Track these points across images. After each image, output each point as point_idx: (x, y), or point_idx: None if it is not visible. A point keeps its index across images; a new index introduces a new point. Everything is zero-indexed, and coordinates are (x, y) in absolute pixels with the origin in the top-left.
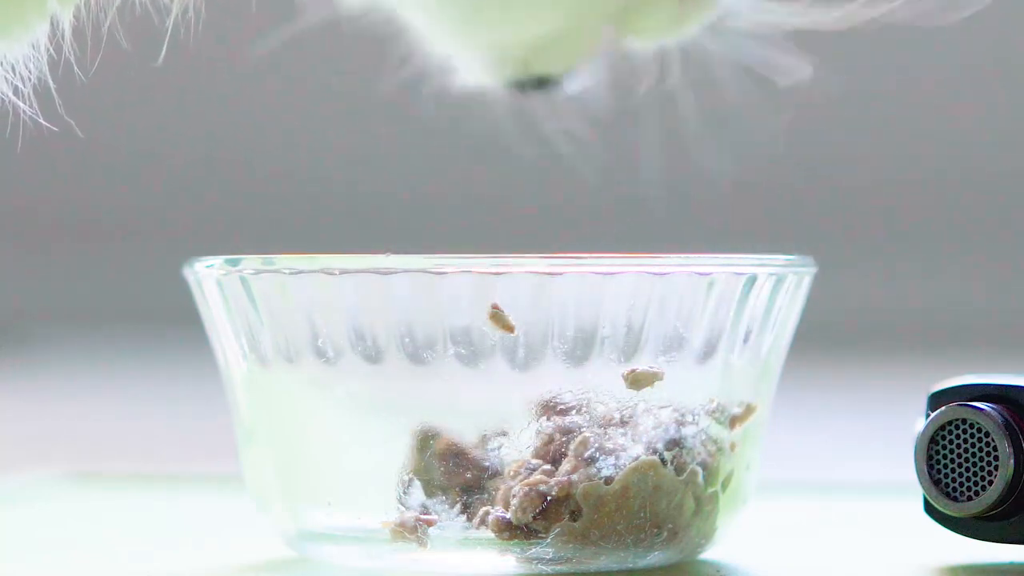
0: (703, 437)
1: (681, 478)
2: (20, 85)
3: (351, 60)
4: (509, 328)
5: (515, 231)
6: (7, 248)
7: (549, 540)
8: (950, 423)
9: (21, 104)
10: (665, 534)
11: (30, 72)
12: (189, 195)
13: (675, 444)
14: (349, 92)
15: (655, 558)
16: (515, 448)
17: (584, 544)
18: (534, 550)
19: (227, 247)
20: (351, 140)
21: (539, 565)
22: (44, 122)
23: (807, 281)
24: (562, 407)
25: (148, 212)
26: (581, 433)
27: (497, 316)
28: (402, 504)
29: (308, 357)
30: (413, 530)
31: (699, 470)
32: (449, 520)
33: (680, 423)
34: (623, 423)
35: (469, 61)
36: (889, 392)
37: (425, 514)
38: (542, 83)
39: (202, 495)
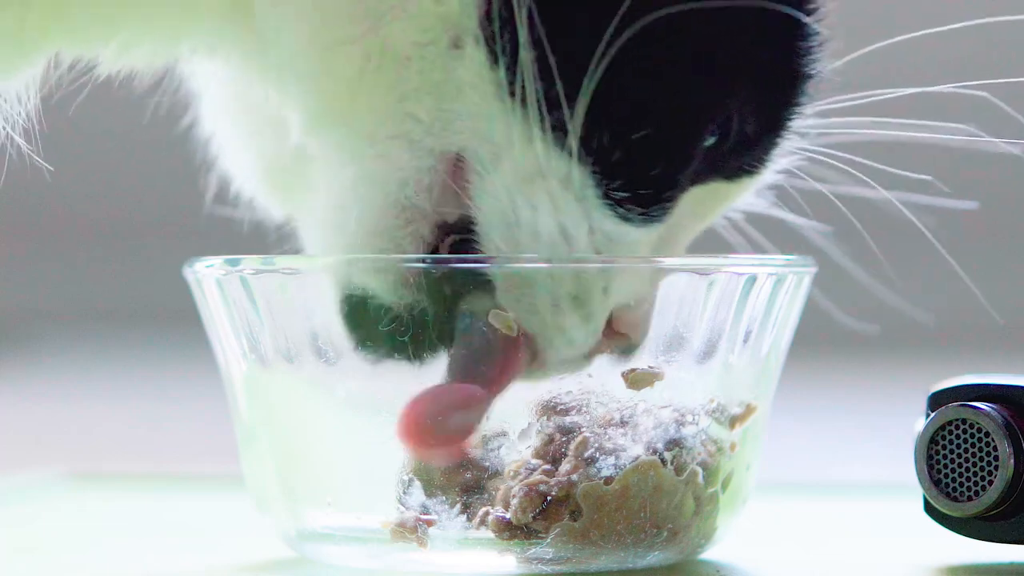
0: (703, 437)
1: (681, 478)
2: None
3: None
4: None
5: None
6: (8, 248)
7: (549, 540)
8: (950, 423)
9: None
10: (665, 534)
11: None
12: (190, 195)
13: (675, 444)
14: None
15: (655, 558)
16: (515, 448)
17: (584, 544)
18: (534, 550)
19: (227, 247)
20: None
21: (539, 565)
22: (36, 157)
23: (807, 281)
24: (562, 407)
25: (148, 212)
26: (581, 433)
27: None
28: (402, 504)
29: (308, 357)
30: (413, 530)
31: (699, 470)
32: (449, 520)
33: (680, 423)
34: (623, 423)
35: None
36: (889, 392)
37: (425, 514)
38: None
39: (202, 495)
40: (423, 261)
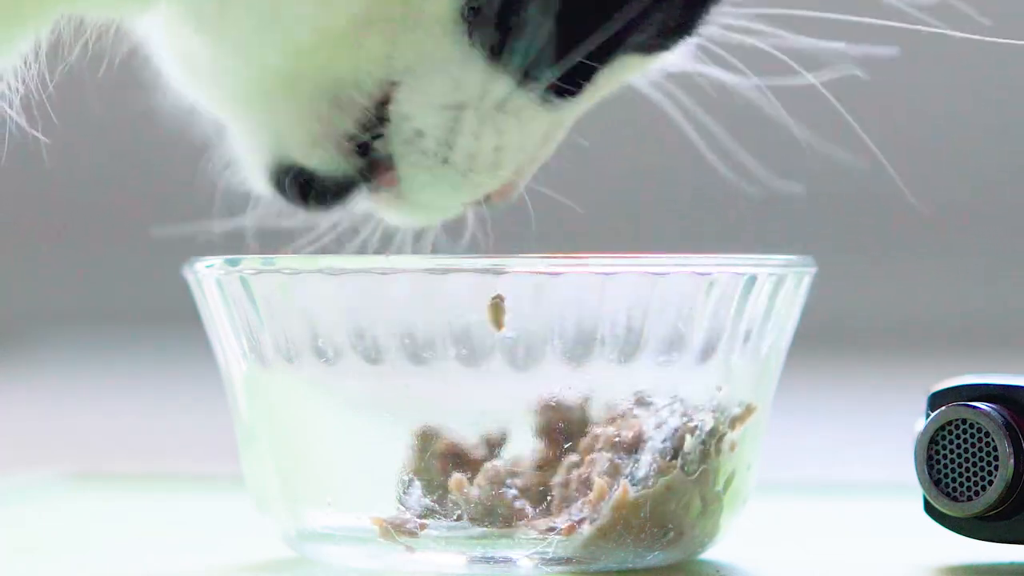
0: (703, 437)
1: (691, 478)
2: (8, 92)
3: None
4: (499, 324)
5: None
6: (7, 249)
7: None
8: (950, 423)
9: (10, 112)
10: (671, 535)
11: (20, 82)
12: (189, 195)
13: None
14: None
15: (655, 558)
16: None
17: (604, 544)
18: (535, 550)
19: (227, 247)
20: None
21: (540, 565)
22: (32, 131)
23: (807, 281)
24: (565, 407)
25: (148, 212)
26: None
27: (496, 307)
28: (402, 504)
29: (308, 357)
30: (399, 528)
31: (709, 470)
32: (448, 520)
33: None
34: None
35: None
36: (889, 392)
37: (425, 514)
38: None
39: (202, 495)
40: None
